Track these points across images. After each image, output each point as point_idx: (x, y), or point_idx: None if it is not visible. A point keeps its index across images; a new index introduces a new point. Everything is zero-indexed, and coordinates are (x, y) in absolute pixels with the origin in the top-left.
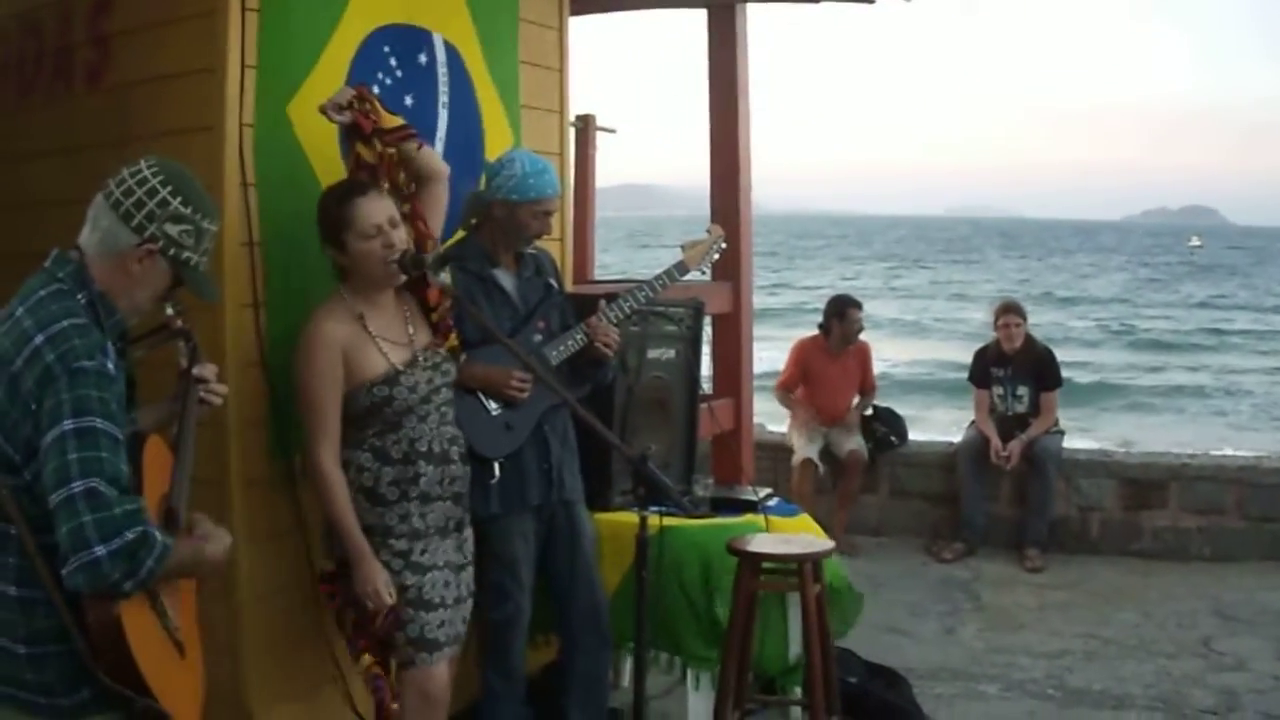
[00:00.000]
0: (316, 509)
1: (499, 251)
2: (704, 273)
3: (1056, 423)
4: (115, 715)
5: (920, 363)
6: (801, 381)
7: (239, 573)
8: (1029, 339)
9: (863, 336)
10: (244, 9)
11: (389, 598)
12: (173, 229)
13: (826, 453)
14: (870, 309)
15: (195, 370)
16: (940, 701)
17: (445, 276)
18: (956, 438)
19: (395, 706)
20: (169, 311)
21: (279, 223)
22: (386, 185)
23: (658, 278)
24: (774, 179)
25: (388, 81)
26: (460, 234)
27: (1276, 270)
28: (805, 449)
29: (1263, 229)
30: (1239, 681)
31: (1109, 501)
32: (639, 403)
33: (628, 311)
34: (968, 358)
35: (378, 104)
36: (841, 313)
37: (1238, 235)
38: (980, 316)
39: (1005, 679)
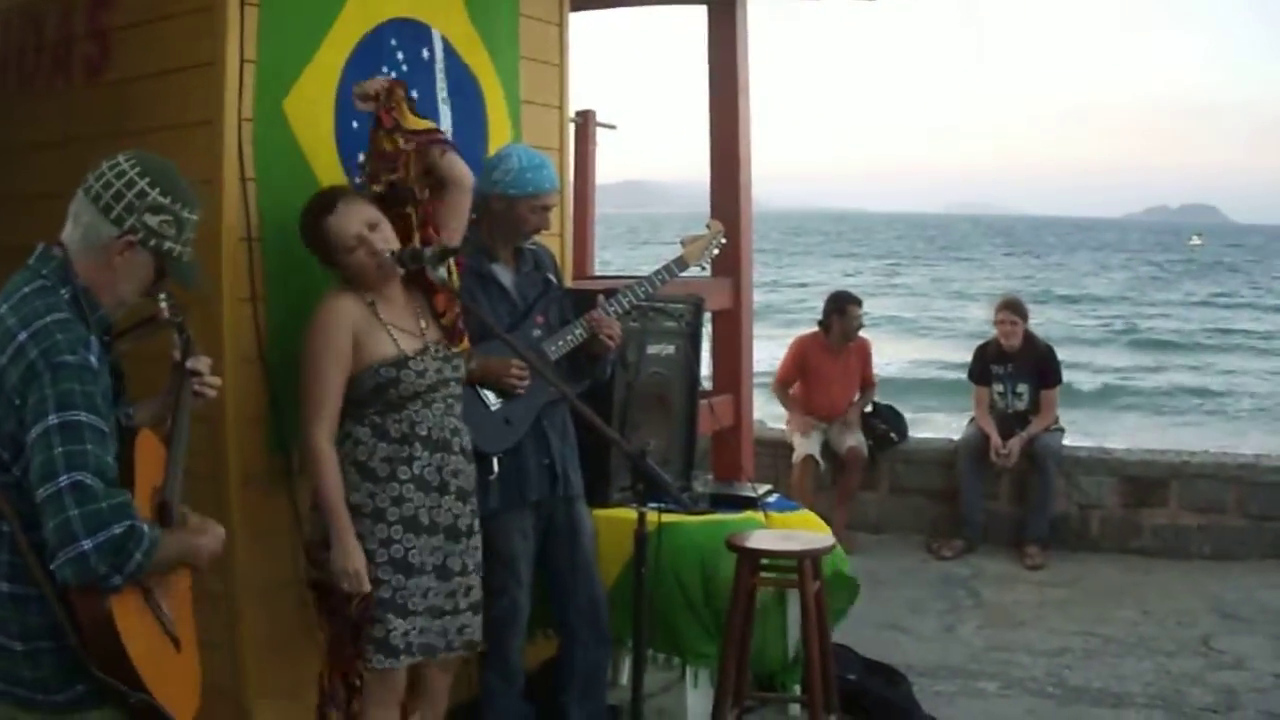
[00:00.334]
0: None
1: (497, 247)
2: (704, 268)
3: (1057, 420)
4: (111, 710)
5: (917, 363)
6: (801, 378)
7: (236, 569)
8: (1029, 336)
9: (861, 334)
10: (243, 3)
11: (366, 583)
12: (152, 219)
13: (826, 449)
14: (868, 307)
15: (189, 363)
16: (939, 699)
17: (443, 272)
18: (956, 435)
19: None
20: (161, 304)
21: (278, 218)
22: (399, 176)
23: (657, 273)
24: (771, 176)
25: (392, 75)
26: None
27: (1276, 268)
28: (805, 445)
29: (1263, 227)
30: (1238, 680)
31: (1109, 499)
32: (639, 399)
33: (627, 307)
34: (966, 357)
35: (404, 103)
36: (841, 309)
37: (1238, 233)
38: (979, 315)
39: (1004, 676)
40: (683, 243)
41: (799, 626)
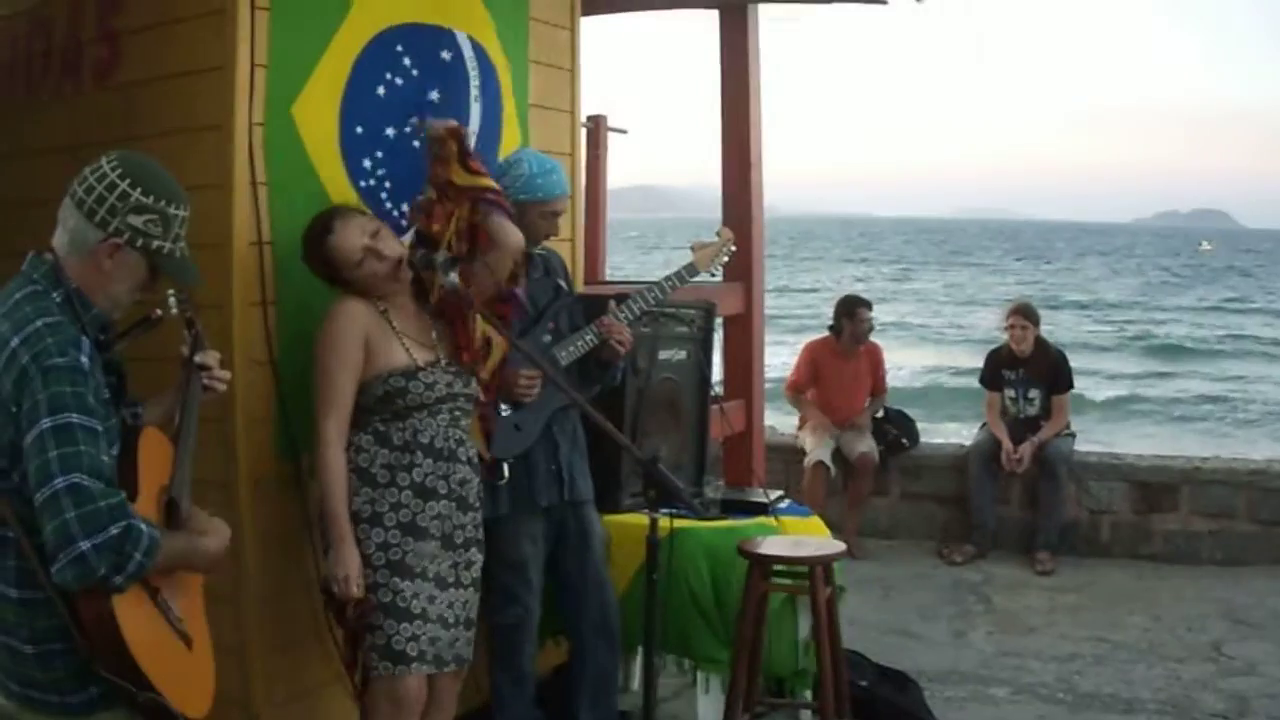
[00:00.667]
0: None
1: None
2: (714, 274)
3: (1068, 425)
4: (124, 711)
5: (926, 370)
6: (812, 383)
7: (246, 573)
8: (1041, 342)
9: (871, 339)
10: (254, 7)
11: (357, 589)
12: (136, 220)
13: (838, 455)
14: (877, 312)
15: (197, 357)
16: (950, 705)
17: (454, 277)
18: (967, 440)
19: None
20: (170, 300)
21: (288, 222)
22: (437, 229)
23: (667, 279)
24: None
25: (398, 81)
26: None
27: None
28: (817, 451)
29: (1274, 232)
30: (1249, 686)
31: (1120, 505)
32: (650, 404)
33: (637, 312)
34: (974, 363)
35: (455, 156)
36: (851, 312)
37: (1249, 238)
38: (986, 322)
39: (1015, 682)
40: (693, 249)
41: (810, 632)
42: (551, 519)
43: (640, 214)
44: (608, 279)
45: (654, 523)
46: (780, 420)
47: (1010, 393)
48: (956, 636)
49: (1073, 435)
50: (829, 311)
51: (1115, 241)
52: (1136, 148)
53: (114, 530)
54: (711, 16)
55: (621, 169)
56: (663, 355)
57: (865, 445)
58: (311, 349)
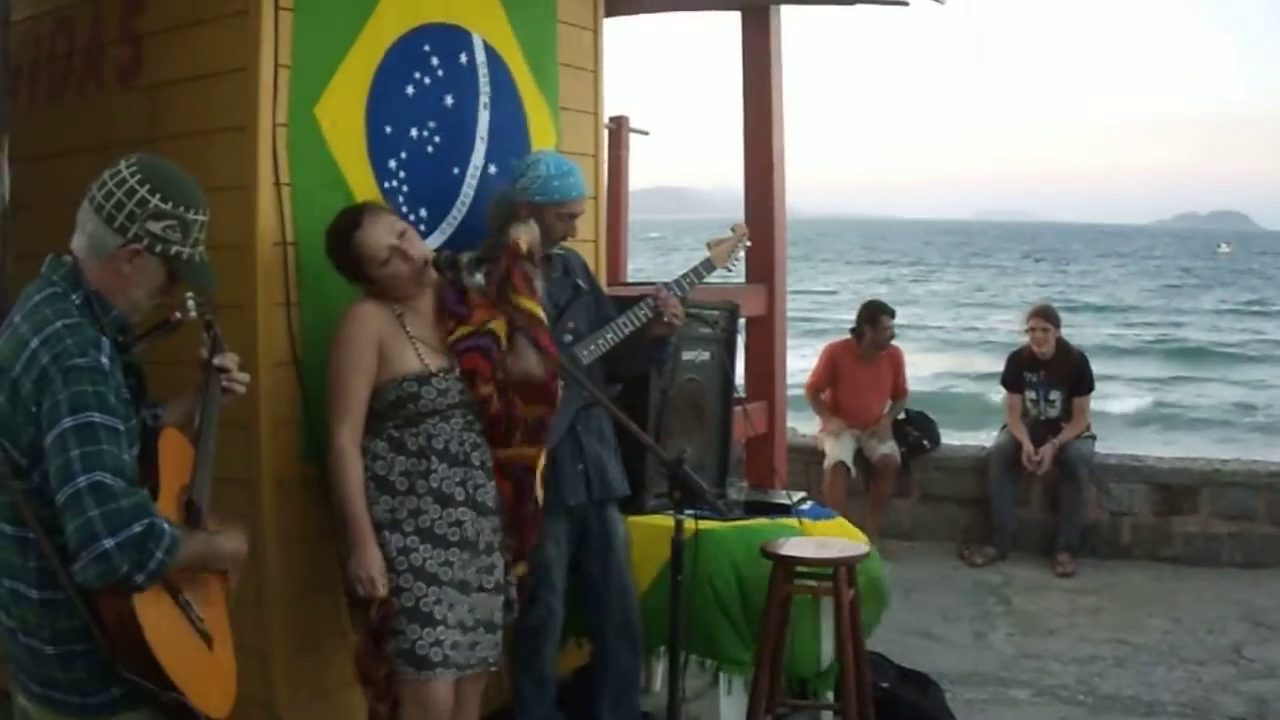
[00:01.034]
0: None
1: None
2: (730, 270)
3: (1089, 427)
4: (147, 712)
5: (935, 376)
6: (833, 385)
7: (268, 574)
8: (1062, 344)
9: (893, 343)
10: (277, 8)
11: (382, 588)
12: (155, 226)
13: (859, 457)
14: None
15: (216, 360)
16: (971, 706)
17: (479, 278)
18: (987, 443)
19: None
20: (189, 304)
21: (311, 222)
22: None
23: (685, 276)
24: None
25: (426, 81)
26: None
27: None
28: (838, 453)
29: None
30: (1269, 689)
31: (1140, 507)
32: (673, 405)
33: (642, 320)
34: (993, 368)
35: (519, 274)
36: (874, 319)
37: (1267, 240)
38: (1006, 325)
39: (1036, 684)
40: (709, 245)
41: (832, 632)
42: (574, 520)
43: (661, 215)
44: (629, 280)
45: (679, 524)
46: (801, 422)
47: (1031, 394)
48: (977, 638)
49: (1093, 437)
50: (841, 316)
51: (1134, 244)
52: (1156, 150)
53: (137, 528)
54: (733, 18)
55: (642, 170)
56: (686, 356)
57: (887, 447)
58: (329, 352)
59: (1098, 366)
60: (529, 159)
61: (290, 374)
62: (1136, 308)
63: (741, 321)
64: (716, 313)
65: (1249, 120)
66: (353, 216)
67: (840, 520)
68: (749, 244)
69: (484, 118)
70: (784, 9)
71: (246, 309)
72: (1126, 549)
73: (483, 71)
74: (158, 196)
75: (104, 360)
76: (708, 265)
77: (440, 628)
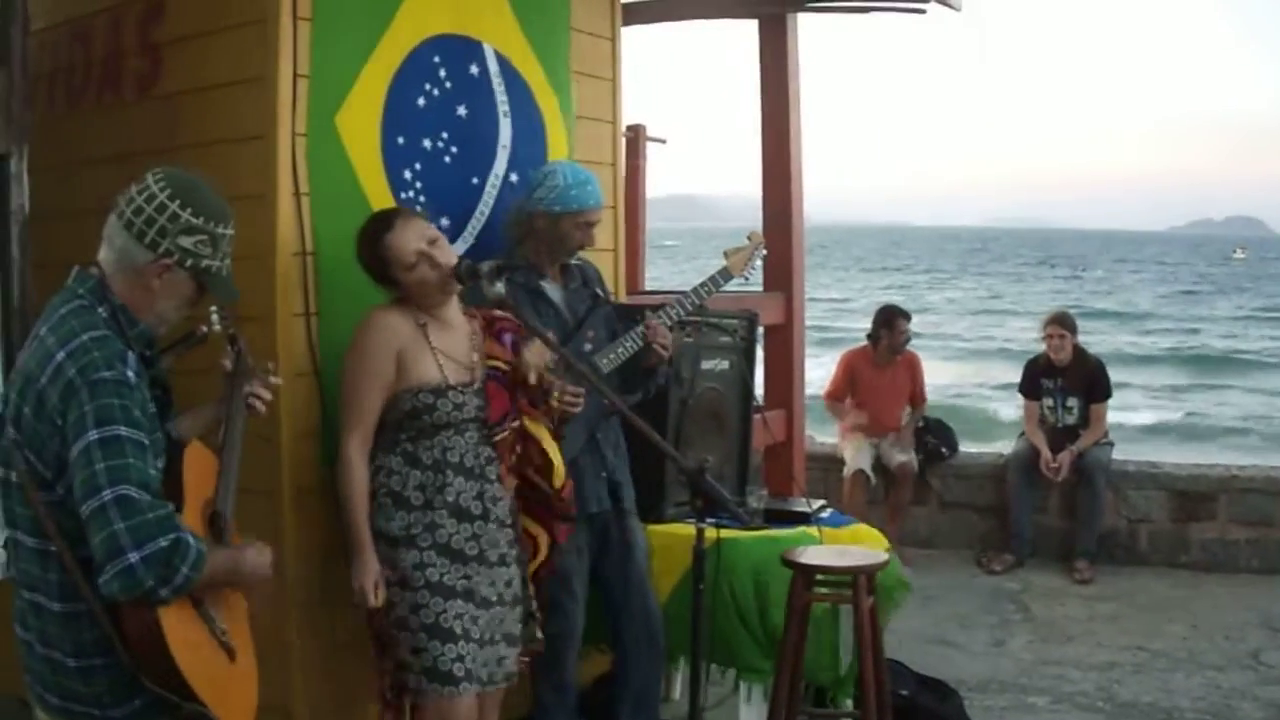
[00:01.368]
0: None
1: (544, 263)
2: (747, 279)
3: (1106, 434)
4: None
5: (950, 388)
6: (850, 392)
7: (289, 583)
8: (1079, 351)
9: (909, 348)
10: (295, 18)
11: (374, 599)
12: (186, 241)
13: (877, 464)
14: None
15: (248, 387)
16: (990, 714)
17: (500, 287)
18: (1005, 450)
19: None
20: (213, 317)
21: (331, 232)
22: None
23: (703, 285)
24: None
25: (435, 93)
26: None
27: None
28: (856, 460)
29: None
30: None
31: (1158, 513)
32: (693, 414)
33: (675, 319)
34: (1006, 378)
35: (523, 406)
36: (890, 323)
37: None
38: (1023, 334)
39: (1054, 691)
40: (726, 254)
41: (850, 639)
42: (595, 529)
43: (679, 223)
44: (647, 289)
45: (700, 533)
46: (818, 430)
47: (1049, 401)
48: (996, 645)
49: (1111, 444)
50: (854, 325)
51: (1149, 250)
52: (1171, 156)
53: (163, 542)
54: (751, 26)
55: (660, 178)
56: (705, 365)
57: (905, 454)
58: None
59: (1115, 374)
60: (545, 169)
61: (311, 384)
62: (1153, 314)
63: (760, 330)
64: (736, 321)
65: (1267, 129)
66: (386, 218)
67: (854, 527)
68: (765, 252)
69: (505, 126)
70: (800, 17)
71: (266, 319)
72: (1144, 555)
73: (497, 81)
74: (188, 211)
75: (130, 374)
76: (725, 274)
77: (462, 643)
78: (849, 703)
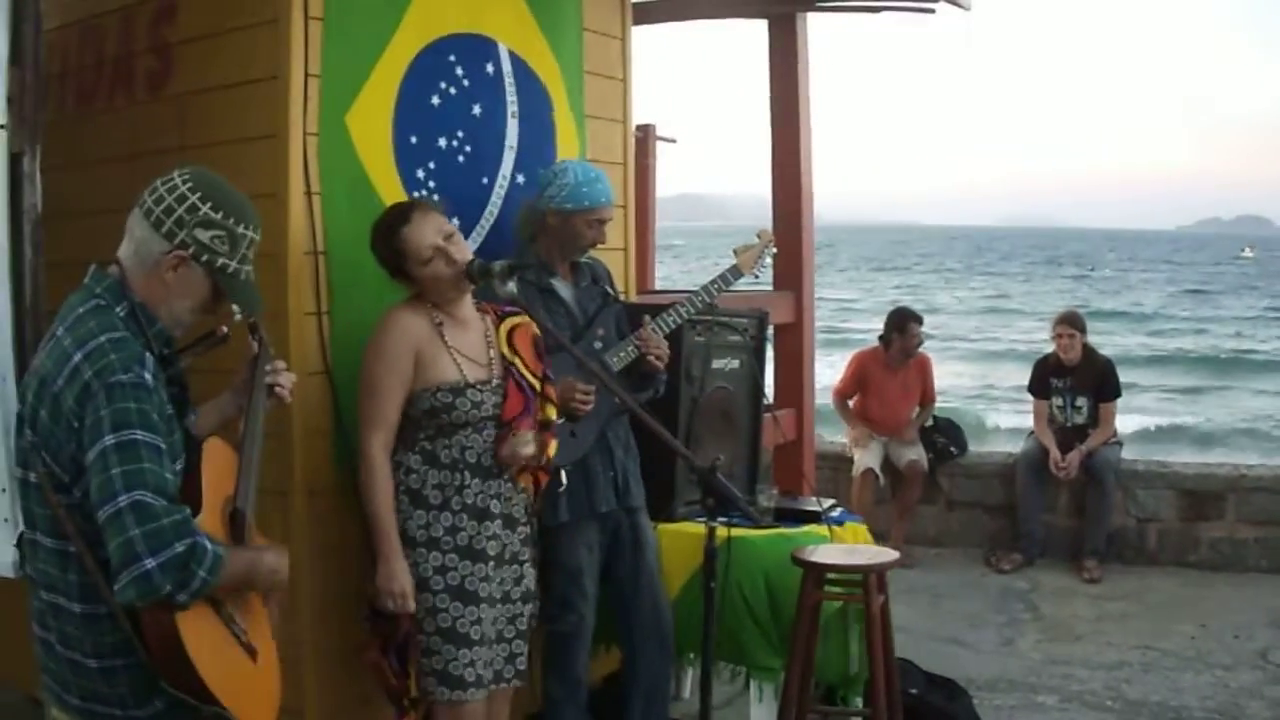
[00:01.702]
0: None
1: (555, 261)
2: (757, 277)
3: (1115, 433)
4: None
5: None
6: (860, 392)
7: (302, 583)
8: (1089, 350)
9: (921, 350)
10: (307, 17)
11: (411, 604)
12: (203, 234)
13: (886, 463)
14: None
15: (269, 377)
16: (999, 713)
17: (512, 286)
18: (1015, 448)
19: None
20: (234, 308)
21: (342, 231)
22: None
23: (713, 283)
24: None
25: (452, 90)
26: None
27: None
28: (865, 459)
29: None
30: None
31: (1167, 512)
32: (703, 412)
33: (673, 325)
34: (1011, 381)
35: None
36: (902, 326)
37: None
38: (1030, 334)
39: (1063, 690)
40: (735, 252)
41: (862, 640)
42: (606, 526)
43: (688, 222)
44: (657, 288)
45: (712, 531)
46: (827, 429)
47: (1058, 401)
48: (1005, 644)
49: (1120, 443)
50: (863, 325)
51: (1158, 249)
52: (1179, 156)
53: (179, 548)
54: (761, 26)
55: (669, 177)
56: (716, 364)
57: (914, 453)
58: (362, 357)
59: (1124, 375)
60: (555, 168)
61: (322, 383)
62: (1161, 314)
63: (770, 329)
64: (746, 320)
65: (1277, 128)
66: (403, 211)
67: (852, 525)
68: (775, 250)
69: (512, 126)
70: (810, 17)
71: (278, 318)
72: (1153, 554)
73: (509, 81)
74: (208, 205)
75: (147, 376)
76: (734, 272)
77: (477, 648)
78: (859, 701)
